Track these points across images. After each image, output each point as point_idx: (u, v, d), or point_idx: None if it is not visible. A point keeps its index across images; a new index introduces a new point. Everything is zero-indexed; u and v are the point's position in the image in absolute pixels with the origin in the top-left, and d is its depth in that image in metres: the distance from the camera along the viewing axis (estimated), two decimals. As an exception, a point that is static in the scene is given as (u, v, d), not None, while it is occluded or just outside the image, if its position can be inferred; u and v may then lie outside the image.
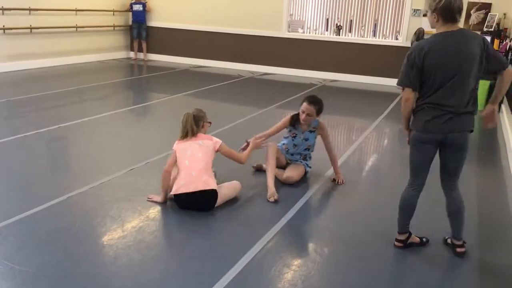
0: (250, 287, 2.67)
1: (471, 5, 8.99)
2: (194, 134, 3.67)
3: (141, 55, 11.89)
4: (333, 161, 4.32)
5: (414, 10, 9.68)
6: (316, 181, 4.29)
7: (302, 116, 4.10)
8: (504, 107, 7.28)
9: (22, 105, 6.70)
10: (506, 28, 8.62)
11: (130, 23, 11.75)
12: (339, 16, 10.54)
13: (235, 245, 3.10)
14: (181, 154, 3.59)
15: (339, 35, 10.48)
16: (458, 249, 3.06)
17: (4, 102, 6.80)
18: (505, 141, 5.89)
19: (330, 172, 4.47)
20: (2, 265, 2.71)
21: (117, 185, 3.99)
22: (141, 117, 6.90)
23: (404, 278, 2.95)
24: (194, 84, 9.01)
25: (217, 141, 3.72)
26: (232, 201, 3.74)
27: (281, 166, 4.30)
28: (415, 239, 3.16)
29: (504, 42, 7.81)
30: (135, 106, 7.50)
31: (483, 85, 7.24)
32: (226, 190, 3.69)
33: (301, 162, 4.35)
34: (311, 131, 4.25)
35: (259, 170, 4.35)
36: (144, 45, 11.76)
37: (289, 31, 10.76)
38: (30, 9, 9.25)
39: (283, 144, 4.41)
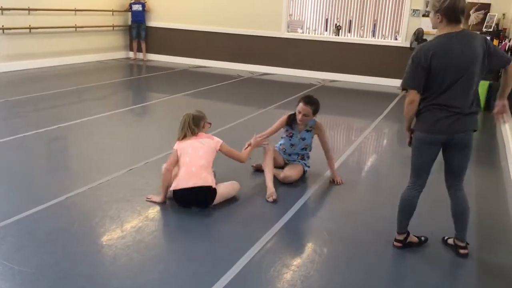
0: (249, 287, 2.67)
1: (470, 6, 8.99)
2: (194, 134, 3.70)
3: (140, 55, 11.88)
4: (329, 161, 4.31)
5: (414, 10, 9.68)
6: (315, 181, 4.29)
7: (299, 117, 4.10)
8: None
9: (21, 105, 6.69)
10: (505, 29, 8.62)
11: (130, 23, 11.75)
12: (339, 16, 10.54)
13: (234, 245, 3.09)
14: (183, 152, 3.62)
15: (339, 35, 10.48)
16: (462, 251, 3.07)
17: (3, 102, 6.79)
18: (504, 142, 5.89)
19: (329, 172, 4.46)
20: (1, 265, 2.70)
21: (116, 185, 3.98)
22: (140, 117, 6.90)
23: (404, 278, 2.95)
24: (193, 84, 9.00)
25: (218, 141, 3.77)
26: (231, 201, 3.74)
27: (279, 167, 4.30)
28: (413, 238, 3.16)
29: (504, 42, 7.81)
30: (134, 106, 7.50)
31: (483, 85, 7.25)
32: (225, 189, 3.70)
33: (299, 162, 4.35)
34: (307, 131, 4.26)
35: (259, 170, 4.35)
36: (143, 45, 11.75)
37: (288, 31, 10.76)
38: (29, 9, 9.24)
39: (281, 144, 4.42)
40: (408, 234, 3.12)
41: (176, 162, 3.64)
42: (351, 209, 3.81)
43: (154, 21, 11.76)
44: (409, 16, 9.73)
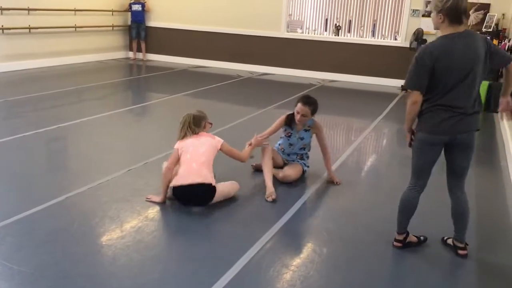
0: (249, 287, 2.67)
1: (469, 6, 8.97)
2: (195, 134, 3.73)
3: (140, 55, 11.88)
4: (326, 161, 4.30)
5: (413, 10, 9.68)
6: (315, 181, 4.29)
7: (297, 117, 4.10)
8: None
9: (20, 105, 6.69)
10: (505, 29, 8.63)
11: (129, 23, 11.75)
12: (338, 16, 10.54)
13: (234, 245, 3.09)
14: (184, 150, 3.65)
15: (338, 35, 10.48)
16: (461, 251, 3.07)
17: (2, 102, 6.79)
18: (503, 142, 5.89)
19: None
20: (0, 265, 2.70)
21: (115, 186, 3.98)
22: (140, 117, 6.90)
23: (404, 278, 2.95)
24: (193, 84, 9.00)
25: (219, 140, 3.80)
26: (230, 201, 3.74)
27: (278, 167, 4.30)
28: (412, 238, 3.16)
29: (503, 43, 7.82)
30: (134, 106, 7.50)
31: (483, 86, 7.22)
32: (224, 188, 3.71)
33: (298, 161, 4.35)
34: (306, 130, 4.26)
35: (258, 170, 4.35)
36: (143, 45, 11.75)
37: (288, 31, 10.76)
38: (29, 9, 9.24)
39: (279, 144, 4.43)
40: (408, 234, 3.12)
41: (177, 161, 3.65)
42: (350, 209, 3.81)
43: (154, 21, 11.76)
44: (408, 16, 9.74)
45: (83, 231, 3.19)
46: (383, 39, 10.21)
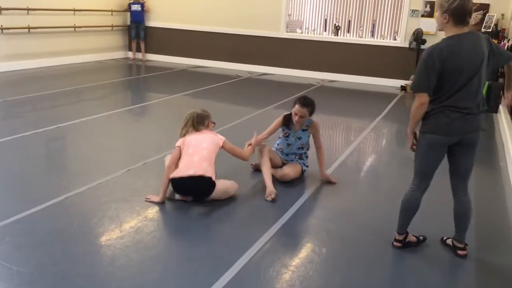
0: (248, 287, 2.67)
1: (469, 6, 9.00)
2: (197, 131, 3.79)
3: (139, 55, 11.88)
4: (320, 163, 4.29)
5: (413, 10, 9.68)
6: (314, 181, 4.29)
7: (295, 118, 4.10)
8: (502, 108, 7.29)
9: (19, 105, 6.68)
10: (504, 29, 8.63)
11: (129, 23, 11.74)
12: (338, 17, 10.54)
13: (233, 245, 3.09)
14: (186, 146, 3.69)
15: (338, 36, 10.48)
16: (460, 252, 3.07)
17: (1, 102, 6.78)
18: (503, 142, 5.89)
19: (328, 172, 4.46)
20: (-1, 266, 2.70)
21: (115, 186, 3.98)
22: (139, 117, 6.89)
23: (404, 278, 2.95)
24: (192, 84, 9.00)
25: (221, 138, 3.84)
26: (230, 202, 3.74)
27: (277, 167, 4.31)
28: (412, 238, 3.16)
29: (502, 43, 7.83)
30: (133, 106, 7.49)
31: (482, 86, 7.23)
32: (224, 184, 3.73)
33: (297, 161, 4.36)
34: (303, 130, 4.26)
35: (258, 170, 4.35)
36: (142, 45, 11.75)
37: (287, 32, 10.76)
38: (28, 9, 9.23)
39: (278, 144, 4.44)
40: (407, 234, 3.12)
41: (178, 159, 3.67)
42: (350, 209, 3.81)
43: (153, 21, 11.76)
44: (408, 17, 9.73)
45: (82, 231, 3.19)
46: (383, 39, 10.21)
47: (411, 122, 2.89)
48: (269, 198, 3.78)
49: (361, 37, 10.38)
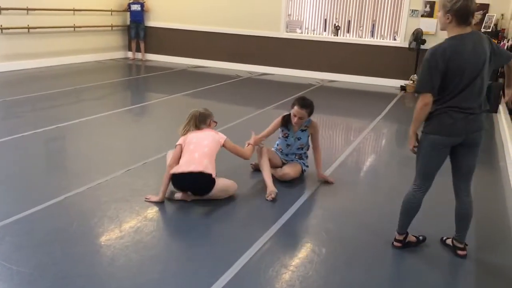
0: (248, 287, 2.67)
1: (469, 6, 9.00)
2: (199, 129, 3.81)
3: (139, 55, 11.88)
4: (317, 161, 4.29)
5: (412, 10, 9.68)
6: (314, 181, 4.29)
7: (294, 120, 4.10)
8: (502, 108, 7.29)
9: (19, 105, 6.68)
10: (504, 29, 8.64)
11: (128, 23, 11.74)
12: (337, 17, 10.54)
13: (233, 245, 3.09)
14: (187, 143, 3.72)
15: (337, 36, 10.48)
16: (460, 252, 3.07)
17: (1, 102, 6.78)
18: (502, 142, 5.90)
19: (328, 172, 4.47)
20: (-1, 266, 2.70)
21: (114, 186, 3.98)
22: (139, 117, 6.89)
23: (404, 278, 2.95)
24: (192, 84, 9.00)
25: (223, 136, 3.86)
26: (230, 201, 3.74)
27: (277, 167, 4.31)
28: (411, 238, 3.16)
29: (502, 43, 7.83)
30: (133, 106, 7.49)
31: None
32: (223, 182, 3.74)
33: (297, 161, 4.36)
34: (302, 130, 4.26)
35: (258, 170, 4.35)
36: (142, 45, 11.75)
37: (287, 32, 10.76)
38: (28, 9, 9.23)
39: (277, 145, 4.44)
40: (407, 234, 3.12)
41: (179, 157, 3.68)
42: (349, 209, 3.81)
43: (153, 21, 11.76)
44: (407, 17, 9.74)
45: (82, 231, 3.19)
46: (382, 39, 10.21)
47: (414, 123, 2.87)
48: (269, 198, 3.78)
49: (361, 37, 10.38)
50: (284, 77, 10.53)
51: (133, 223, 3.32)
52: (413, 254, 3.10)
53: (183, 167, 3.58)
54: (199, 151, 3.65)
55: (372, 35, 10.28)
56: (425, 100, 2.76)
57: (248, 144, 4.07)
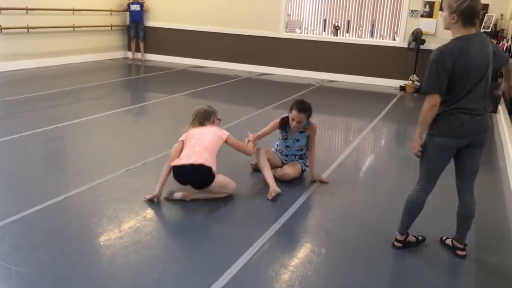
0: (248, 287, 2.66)
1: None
2: (202, 125, 3.85)
3: (138, 55, 11.88)
4: (311, 163, 4.29)
5: (412, 10, 9.69)
6: (313, 181, 4.29)
7: (293, 123, 4.10)
8: (501, 108, 7.29)
9: (18, 105, 6.67)
10: (503, 29, 8.64)
11: (128, 23, 11.74)
12: (337, 17, 10.54)
13: (233, 245, 3.09)
14: (189, 137, 3.75)
15: (337, 36, 10.48)
16: (460, 252, 3.07)
17: (0, 102, 6.77)
18: (502, 143, 5.90)
19: (327, 173, 4.47)
20: (-2, 266, 2.69)
21: (114, 186, 3.97)
22: (139, 117, 6.89)
23: (404, 278, 2.95)
24: (192, 84, 8.99)
25: (225, 132, 3.89)
26: (229, 201, 3.74)
27: (277, 167, 4.31)
28: (411, 238, 3.16)
29: (501, 43, 7.83)
30: (132, 106, 7.49)
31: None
32: (223, 179, 3.75)
33: (297, 161, 4.36)
34: (301, 132, 4.26)
35: (257, 169, 4.34)
36: (141, 45, 11.75)
37: (286, 32, 10.76)
38: (27, 9, 9.22)
39: (277, 145, 4.45)
40: (408, 234, 3.12)
41: (181, 152, 3.71)
42: (349, 209, 3.80)
43: (152, 21, 11.75)
44: (407, 17, 9.74)
45: (82, 231, 3.18)
46: (382, 39, 10.21)
47: (421, 125, 2.83)
48: (270, 197, 3.78)
49: (360, 37, 10.38)
50: (284, 77, 10.53)
51: (132, 223, 3.32)
52: (412, 254, 3.10)
53: (184, 159, 3.60)
54: (200, 144, 3.67)
55: (372, 35, 10.28)
56: (433, 101, 2.73)
57: (248, 141, 4.08)
